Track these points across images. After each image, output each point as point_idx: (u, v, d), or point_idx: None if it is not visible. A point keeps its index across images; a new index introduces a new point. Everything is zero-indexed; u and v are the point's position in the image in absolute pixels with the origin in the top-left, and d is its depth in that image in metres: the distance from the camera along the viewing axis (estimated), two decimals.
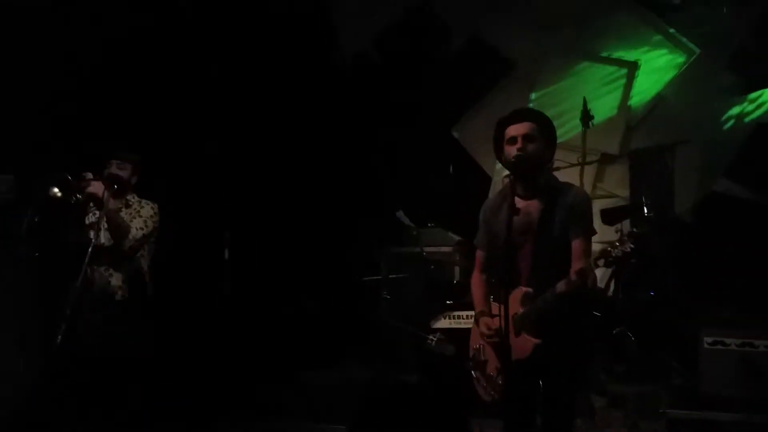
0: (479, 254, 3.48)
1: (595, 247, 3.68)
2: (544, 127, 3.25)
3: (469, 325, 3.62)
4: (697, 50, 6.39)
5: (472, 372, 3.38)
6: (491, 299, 3.37)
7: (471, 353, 3.46)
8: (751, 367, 4.54)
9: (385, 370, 5.61)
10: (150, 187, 4.28)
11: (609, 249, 2.98)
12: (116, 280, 4.03)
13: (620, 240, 2.97)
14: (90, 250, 3.71)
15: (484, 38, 7.07)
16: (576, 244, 3.17)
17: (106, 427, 3.87)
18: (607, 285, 5.56)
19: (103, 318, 3.97)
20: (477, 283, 3.45)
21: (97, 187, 3.85)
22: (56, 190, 3.83)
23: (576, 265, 3.09)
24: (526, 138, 3.17)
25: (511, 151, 3.19)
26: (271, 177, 6.59)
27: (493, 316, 3.25)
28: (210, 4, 6.42)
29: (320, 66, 7.05)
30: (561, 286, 3.02)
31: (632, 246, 2.92)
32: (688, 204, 6.34)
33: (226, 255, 5.95)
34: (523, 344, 3.11)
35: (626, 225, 5.81)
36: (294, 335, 6.08)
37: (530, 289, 3.16)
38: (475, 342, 3.44)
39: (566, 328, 3.16)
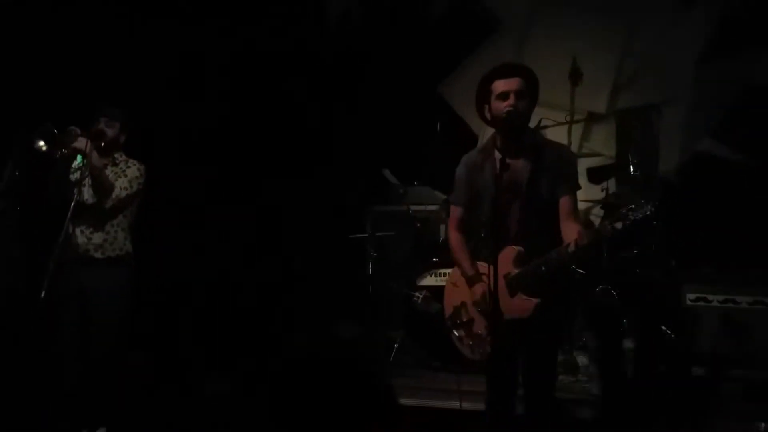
0: (456, 211, 3.36)
1: (580, 205, 3.65)
2: (532, 84, 3.19)
3: None
4: (685, 8, 6.31)
5: (454, 331, 3.33)
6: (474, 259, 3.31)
7: (449, 311, 3.39)
8: (732, 323, 4.59)
9: (372, 327, 5.62)
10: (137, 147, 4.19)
11: (626, 211, 2.85)
12: (97, 238, 3.96)
13: (637, 205, 2.86)
14: (72, 206, 3.64)
15: None
16: (564, 201, 3.15)
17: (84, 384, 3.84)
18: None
19: (84, 277, 3.90)
20: (457, 243, 3.33)
21: (82, 143, 3.76)
22: (42, 143, 3.73)
23: (572, 224, 3.07)
24: (518, 94, 3.10)
25: (501, 106, 3.12)
26: (256, 135, 6.49)
27: (483, 277, 3.19)
28: None
29: (304, 23, 6.89)
30: (573, 244, 2.94)
31: (653, 209, 2.82)
32: (673, 163, 6.34)
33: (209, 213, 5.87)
34: (521, 305, 3.07)
35: (612, 184, 5.83)
36: (280, 294, 6.07)
37: (521, 248, 3.12)
38: (455, 300, 3.37)
39: (563, 287, 3.15)
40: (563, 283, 3.17)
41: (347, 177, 6.69)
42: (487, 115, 3.22)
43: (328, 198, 6.62)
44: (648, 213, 2.80)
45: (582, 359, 5.00)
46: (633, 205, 2.85)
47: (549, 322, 3.13)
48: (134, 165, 4.08)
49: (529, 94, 3.16)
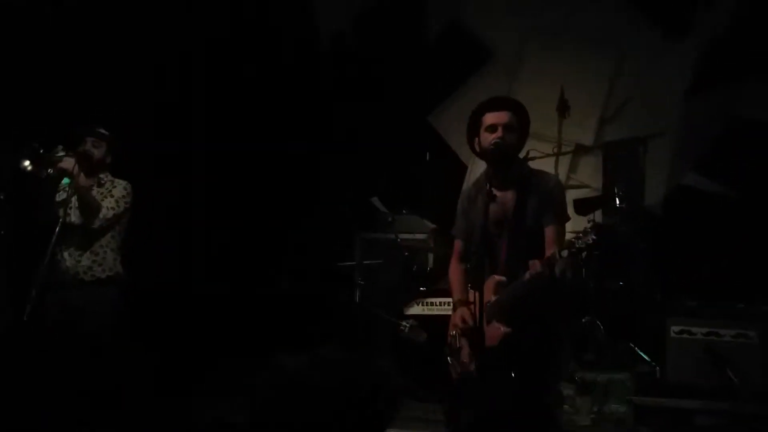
0: (457, 243, 3.48)
1: (568, 237, 3.67)
2: (521, 117, 3.25)
3: (443, 312, 3.63)
4: (671, 43, 6.41)
5: (448, 358, 3.36)
6: (468, 287, 3.36)
7: (448, 340, 3.44)
8: (715, 355, 4.59)
9: (359, 355, 5.57)
10: (125, 169, 4.17)
11: (573, 240, 2.98)
12: (86, 260, 3.92)
13: (584, 231, 2.98)
14: (58, 228, 3.61)
15: (464, 24, 7.03)
16: (549, 231, 3.19)
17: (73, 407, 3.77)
18: (578, 274, 5.58)
19: (73, 299, 3.86)
20: (455, 272, 3.45)
21: (69, 163, 3.74)
22: (27, 163, 3.71)
23: (548, 252, 3.09)
24: (506, 127, 3.14)
25: (489, 139, 3.16)
26: (246, 161, 6.49)
27: (468, 305, 3.24)
28: None
29: (296, 47, 6.94)
30: (528, 273, 3.02)
31: (594, 237, 2.92)
32: (658, 196, 6.39)
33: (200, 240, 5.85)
34: (494, 332, 3.11)
35: (599, 215, 5.86)
36: (269, 320, 6.02)
37: (503, 278, 3.17)
38: (452, 329, 3.42)
39: (536, 316, 3.16)
40: (533, 310, 3.17)
41: (335, 204, 6.69)
42: (477, 147, 3.26)
43: (316, 225, 6.61)
44: (590, 241, 2.89)
45: (568, 390, 4.97)
46: (580, 234, 2.94)
47: (529, 353, 3.13)
48: (120, 184, 4.06)
49: (518, 128, 3.21)
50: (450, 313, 3.50)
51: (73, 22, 5.47)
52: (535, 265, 3.00)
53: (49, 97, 5.18)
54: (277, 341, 5.73)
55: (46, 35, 5.34)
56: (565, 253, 2.94)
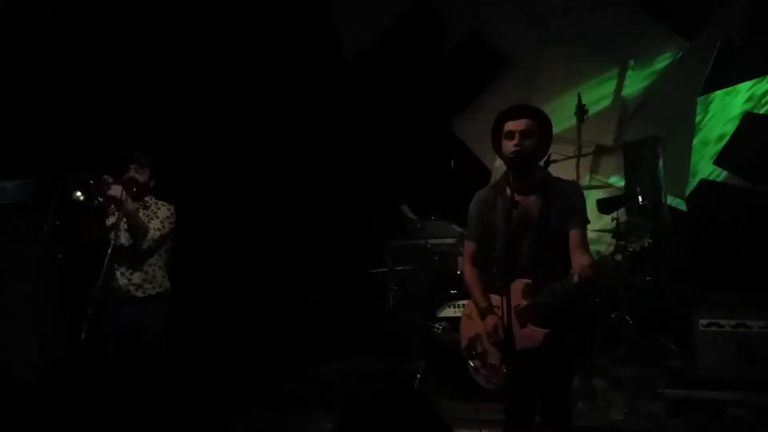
0: (470, 246, 3.40)
1: (591, 235, 3.70)
2: (542, 124, 3.26)
3: None
4: (686, 43, 6.39)
5: (470, 362, 3.36)
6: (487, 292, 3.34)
7: (465, 343, 3.41)
8: (744, 347, 4.56)
9: (394, 361, 5.64)
10: (164, 189, 4.31)
11: (625, 244, 2.92)
12: (137, 278, 4.06)
13: (635, 234, 2.91)
14: (110, 251, 3.74)
15: (483, 33, 7.08)
16: (574, 235, 3.20)
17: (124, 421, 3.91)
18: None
19: (127, 315, 4.00)
20: (472, 276, 3.37)
21: (116, 191, 3.89)
22: (79, 194, 3.86)
23: (581, 256, 3.13)
24: (524, 134, 3.18)
25: (509, 146, 3.20)
26: (280, 176, 6.61)
27: (492, 310, 3.23)
28: (212, 3, 6.41)
29: (323, 65, 7.06)
30: (577, 276, 2.99)
31: (650, 241, 2.87)
32: (681, 192, 6.35)
33: (233, 250, 5.94)
34: (531, 335, 3.11)
35: (622, 213, 5.86)
36: (305, 329, 6.12)
37: (529, 281, 3.17)
38: (470, 331, 3.40)
39: (571, 316, 3.19)
40: (573, 311, 3.20)
41: (367, 213, 6.78)
42: (501, 153, 3.31)
43: (349, 234, 6.70)
44: (646, 245, 2.85)
45: (601, 385, 4.97)
46: (633, 238, 2.90)
47: (561, 351, 3.16)
48: (164, 206, 4.20)
49: (538, 134, 3.23)
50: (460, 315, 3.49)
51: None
52: (585, 268, 2.99)
53: (90, 123, 5.35)
54: (314, 351, 5.85)
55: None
56: (619, 257, 2.92)
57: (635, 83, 6.61)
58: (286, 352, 5.84)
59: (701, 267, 5.73)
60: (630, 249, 2.91)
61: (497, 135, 3.28)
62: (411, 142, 7.01)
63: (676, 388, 4.58)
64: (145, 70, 5.86)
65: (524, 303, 3.17)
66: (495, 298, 3.25)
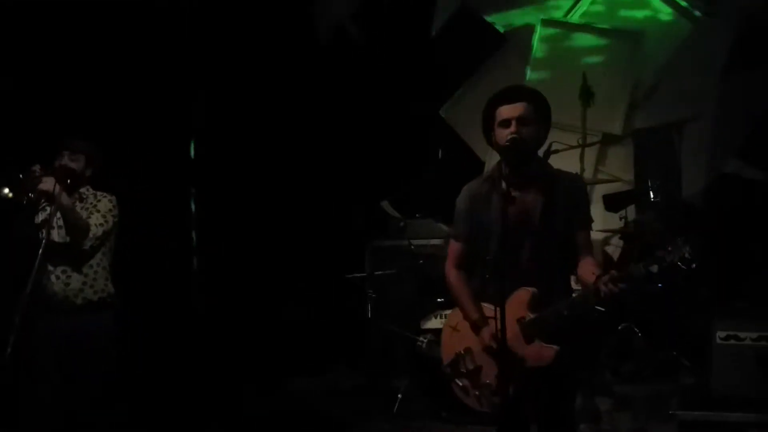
0: (456, 247, 3.33)
1: (596, 236, 3.67)
2: (539, 108, 3.20)
3: None
4: (702, 17, 6.39)
5: (456, 380, 3.29)
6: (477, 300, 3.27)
7: (449, 358, 3.33)
8: (767, 363, 4.56)
9: (373, 376, 5.61)
10: (107, 181, 4.20)
11: (661, 254, 2.83)
12: (75, 282, 3.95)
13: (672, 244, 2.83)
14: (41, 251, 3.63)
15: (474, 8, 7.05)
16: (581, 236, 3.16)
17: None
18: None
19: (64, 326, 3.89)
20: (458, 282, 3.30)
21: (49, 183, 3.77)
22: (6, 190, 3.75)
23: (589, 260, 3.09)
24: (521, 121, 3.11)
25: (504, 134, 3.13)
26: (243, 166, 6.53)
27: (487, 321, 3.17)
28: None
29: (294, 42, 6.98)
30: (604, 287, 2.90)
31: (690, 252, 2.80)
32: (698, 187, 6.37)
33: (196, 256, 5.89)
34: (540, 352, 3.06)
35: (631, 211, 5.85)
36: (275, 340, 6.06)
37: (535, 289, 3.11)
38: (455, 346, 3.32)
39: (581, 330, 3.15)
40: (583, 325, 3.17)
41: (342, 210, 6.72)
42: (493, 143, 3.24)
43: (322, 234, 6.64)
44: (687, 255, 2.78)
45: (606, 405, 4.97)
46: (670, 247, 2.82)
47: (567, 369, 3.12)
48: (105, 198, 4.07)
49: (536, 120, 3.16)
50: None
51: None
52: (614, 279, 2.88)
53: (22, 110, 5.23)
54: (284, 365, 5.80)
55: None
56: (655, 268, 2.85)
57: (647, 63, 6.59)
58: (252, 368, 5.80)
59: (719, 271, 5.73)
60: (667, 261, 2.81)
61: (489, 122, 3.21)
62: (393, 128, 6.95)
63: (690, 408, 4.57)
64: (86, 44, 5.74)
65: (531, 316, 3.10)
66: (487, 308, 3.19)
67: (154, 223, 5.64)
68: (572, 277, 3.29)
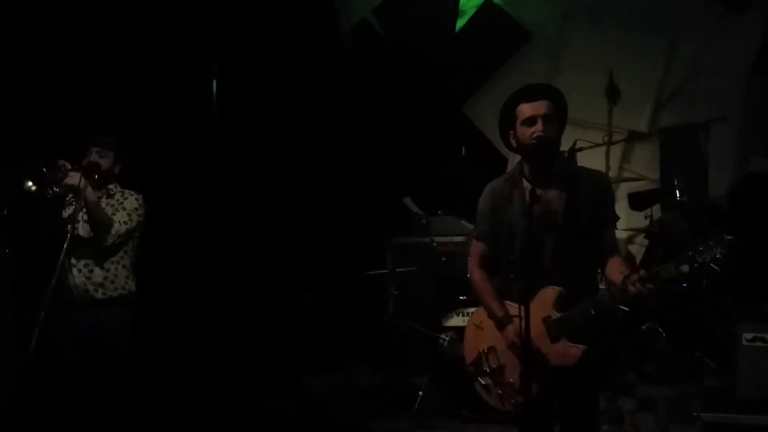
0: (479, 247, 3.33)
1: (621, 235, 3.63)
2: (559, 106, 3.19)
3: None
4: (733, 17, 6.31)
5: (479, 379, 3.29)
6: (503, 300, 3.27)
7: (472, 357, 3.33)
8: None
9: (393, 375, 5.60)
10: (135, 178, 4.23)
11: (693, 254, 2.78)
12: (97, 277, 3.98)
13: (705, 245, 2.79)
14: (66, 245, 3.67)
15: (499, 4, 7.01)
16: (606, 234, 3.15)
17: None
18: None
19: (83, 319, 3.93)
20: (482, 281, 3.30)
21: (75, 178, 3.80)
22: (30, 183, 3.78)
23: (615, 259, 3.07)
24: (546, 119, 3.10)
25: (528, 132, 3.11)
26: (266, 161, 6.54)
27: (513, 321, 3.14)
28: None
29: (317, 39, 6.97)
30: (634, 287, 2.88)
31: (723, 253, 2.76)
32: (724, 186, 6.30)
33: (217, 249, 5.91)
34: (567, 351, 3.04)
35: (656, 210, 5.80)
36: (295, 337, 6.07)
37: (561, 288, 3.09)
38: (479, 344, 3.32)
39: (606, 329, 3.13)
40: (608, 324, 3.14)
41: (364, 207, 6.71)
42: (513, 142, 3.22)
43: (342, 231, 6.64)
44: (718, 256, 2.74)
45: (629, 406, 4.93)
46: (701, 247, 2.78)
47: (592, 369, 3.10)
48: (131, 196, 4.11)
49: (557, 118, 3.15)
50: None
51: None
52: (643, 279, 2.86)
53: (48, 103, 5.27)
54: (303, 363, 5.81)
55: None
56: (685, 268, 2.82)
57: (675, 61, 6.52)
58: (272, 365, 5.81)
59: (746, 272, 5.66)
60: (699, 261, 2.77)
61: (509, 121, 3.20)
62: (416, 125, 6.93)
63: (714, 410, 4.51)
64: (117, 44, 5.77)
65: (556, 315, 3.08)
66: (511, 307, 3.18)
67: (174, 222, 5.66)
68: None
